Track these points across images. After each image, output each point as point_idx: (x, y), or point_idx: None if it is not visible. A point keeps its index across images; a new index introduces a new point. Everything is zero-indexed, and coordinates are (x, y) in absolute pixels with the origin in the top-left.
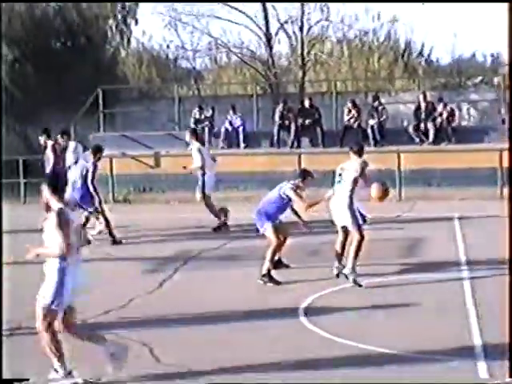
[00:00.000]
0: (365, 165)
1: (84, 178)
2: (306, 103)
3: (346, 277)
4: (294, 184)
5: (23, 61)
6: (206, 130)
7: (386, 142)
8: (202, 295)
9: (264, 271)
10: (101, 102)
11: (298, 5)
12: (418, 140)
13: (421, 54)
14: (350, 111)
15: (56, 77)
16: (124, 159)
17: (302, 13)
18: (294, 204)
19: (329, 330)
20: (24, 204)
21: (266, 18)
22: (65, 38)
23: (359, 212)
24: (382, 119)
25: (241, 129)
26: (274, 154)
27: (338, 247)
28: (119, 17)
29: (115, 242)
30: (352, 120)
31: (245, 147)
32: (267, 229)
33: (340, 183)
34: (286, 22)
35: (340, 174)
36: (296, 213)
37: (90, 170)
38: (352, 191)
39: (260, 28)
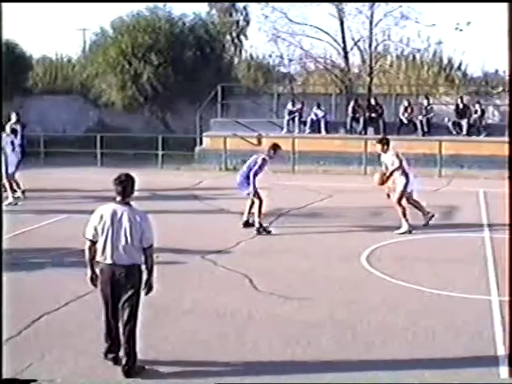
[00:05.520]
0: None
1: None
2: (372, 101)
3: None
4: (267, 155)
5: (165, 65)
6: (297, 119)
7: (431, 133)
8: (289, 242)
9: (257, 225)
10: (219, 95)
11: (367, 27)
12: (454, 132)
13: (459, 68)
14: (405, 109)
15: (188, 77)
16: (235, 138)
17: (371, 34)
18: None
19: (385, 271)
20: (161, 169)
21: (343, 37)
22: (195, 49)
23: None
24: (429, 116)
25: (323, 119)
26: (347, 139)
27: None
28: (234, 34)
29: None
30: (406, 115)
31: (325, 133)
32: (252, 192)
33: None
34: (359, 41)
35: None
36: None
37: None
38: None
39: (339, 44)
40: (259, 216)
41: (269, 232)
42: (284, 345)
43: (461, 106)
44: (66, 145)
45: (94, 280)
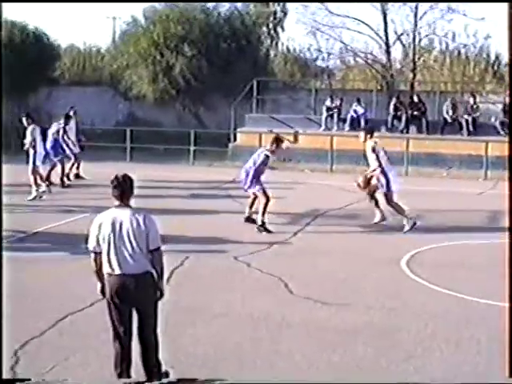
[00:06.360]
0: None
1: None
2: (415, 98)
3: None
4: (269, 150)
5: (199, 57)
6: (335, 116)
7: (477, 134)
8: (326, 244)
9: (259, 222)
10: (255, 90)
11: (412, 20)
12: (502, 133)
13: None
14: (451, 107)
15: (222, 70)
16: (270, 135)
17: (415, 27)
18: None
19: (426, 278)
20: (192, 165)
21: (385, 30)
22: (230, 40)
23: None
24: (475, 115)
25: (363, 116)
26: (388, 138)
27: None
28: (271, 25)
29: None
30: (451, 114)
31: None
32: (259, 190)
33: None
34: (402, 34)
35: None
36: None
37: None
38: None
39: (381, 38)
40: (263, 214)
41: (269, 232)
42: (320, 352)
43: (509, 104)
44: (95, 138)
45: (104, 291)
